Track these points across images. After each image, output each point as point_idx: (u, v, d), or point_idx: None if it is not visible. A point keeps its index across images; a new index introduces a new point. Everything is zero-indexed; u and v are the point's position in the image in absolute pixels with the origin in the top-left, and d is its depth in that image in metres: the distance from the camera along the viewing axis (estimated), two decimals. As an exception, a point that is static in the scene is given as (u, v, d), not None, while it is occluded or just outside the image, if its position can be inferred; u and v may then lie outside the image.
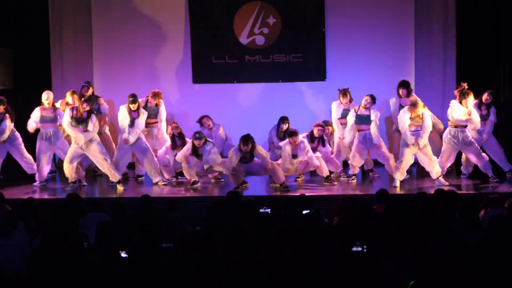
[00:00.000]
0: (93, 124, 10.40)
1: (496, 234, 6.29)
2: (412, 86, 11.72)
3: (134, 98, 10.70)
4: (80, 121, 10.37)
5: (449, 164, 10.90)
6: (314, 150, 10.63)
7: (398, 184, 10.32)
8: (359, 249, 6.00)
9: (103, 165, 10.51)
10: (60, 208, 8.03)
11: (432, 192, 8.46)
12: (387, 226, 6.66)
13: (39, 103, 10.99)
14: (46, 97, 10.80)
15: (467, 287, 5.53)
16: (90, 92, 11.32)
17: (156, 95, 11.23)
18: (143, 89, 11.58)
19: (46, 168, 10.90)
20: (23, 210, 7.73)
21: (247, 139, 10.17)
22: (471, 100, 10.38)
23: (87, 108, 10.43)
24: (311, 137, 10.75)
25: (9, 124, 10.73)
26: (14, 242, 6.89)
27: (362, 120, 10.72)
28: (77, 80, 12.40)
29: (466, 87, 10.42)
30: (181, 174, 10.99)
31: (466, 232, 6.53)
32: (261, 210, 7.72)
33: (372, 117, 10.64)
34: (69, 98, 11.14)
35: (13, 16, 12.50)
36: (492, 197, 7.96)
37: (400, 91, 11.25)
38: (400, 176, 10.35)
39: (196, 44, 12.43)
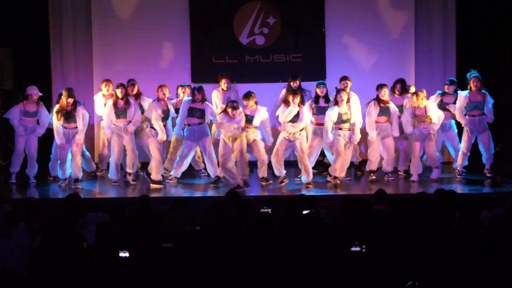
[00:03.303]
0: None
1: (496, 234, 6.29)
2: (413, 85, 11.71)
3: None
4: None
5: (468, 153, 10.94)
6: (323, 110, 10.54)
7: (417, 178, 10.60)
8: (359, 249, 6.01)
9: (132, 157, 10.65)
10: (60, 208, 8.04)
11: (432, 192, 8.46)
12: (387, 226, 6.66)
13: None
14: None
15: (467, 287, 5.53)
16: (135, 90, 11.20)
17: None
18: (143, 89, 11.56)
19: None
20: (23, 210, 7.72)
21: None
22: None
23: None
24: (315, 98, 10.79)
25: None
26: (14, 242, 6.89)
27: (383, 112, 10.67)
28: (77, 80, 12.41)
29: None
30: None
31: (466, 232, 6.53)
32: (261, 210, 7.73)
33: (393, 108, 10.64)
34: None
35: (13, 16, 12.50)
36: (494, 197, 7.99)
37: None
38: (420, 169, 10.58)
39: (196, 44, 12.43)
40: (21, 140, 10.91)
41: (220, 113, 10.30)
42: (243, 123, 10.25)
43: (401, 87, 11.05)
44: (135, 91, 11.15)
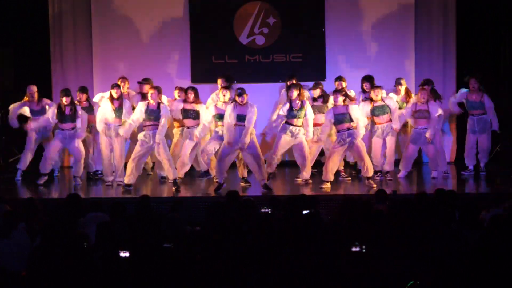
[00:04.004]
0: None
1: (496, 234, 6.29)
2: (413, 85, 11.74)
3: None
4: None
5: (474, 152, 11.10)
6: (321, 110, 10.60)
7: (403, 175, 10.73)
8: (359, 249, 6.01)
9: (166, 164, 10.21)
10: (60, 208, 8.04)
11: (432, 192, 8.46)
12: (387, 226, 6.66)
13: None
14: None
15: (467, 287, 5.53)
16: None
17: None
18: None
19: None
20: (23, 210, 7.72)
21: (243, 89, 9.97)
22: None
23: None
24: (313, 98, 10.80)
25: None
26: (14, 242, 6.89)
27: (380, 111, 10.64)
28: (77, 80, 12.41)
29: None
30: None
31: (466, 232, 6.53)
32: (262, 210, 7.73)
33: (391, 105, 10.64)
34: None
35: (13, 16, 12.51)
36: (493, 197, 7.99)
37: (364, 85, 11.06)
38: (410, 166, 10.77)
39: (196, 44, 12.43)
40: (33, 137, 10.92)
41: (232, 102, 10.03)
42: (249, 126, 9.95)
43: (369, 84, 10.92)
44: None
